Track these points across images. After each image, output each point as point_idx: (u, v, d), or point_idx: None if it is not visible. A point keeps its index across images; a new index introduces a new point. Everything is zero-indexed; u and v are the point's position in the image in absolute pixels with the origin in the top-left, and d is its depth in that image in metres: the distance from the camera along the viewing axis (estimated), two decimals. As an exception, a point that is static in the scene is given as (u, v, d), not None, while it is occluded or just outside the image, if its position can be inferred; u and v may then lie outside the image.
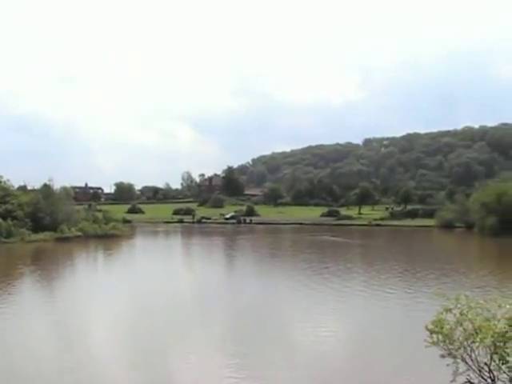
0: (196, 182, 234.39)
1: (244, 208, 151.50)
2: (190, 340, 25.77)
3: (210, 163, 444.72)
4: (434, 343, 13.42)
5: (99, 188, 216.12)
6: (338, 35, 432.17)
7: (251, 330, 27.58)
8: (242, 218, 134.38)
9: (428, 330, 13.56)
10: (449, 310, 13.54)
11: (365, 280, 44.52)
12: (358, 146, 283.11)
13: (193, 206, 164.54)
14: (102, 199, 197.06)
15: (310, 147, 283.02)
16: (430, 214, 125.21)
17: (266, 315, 31.31)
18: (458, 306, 13.51)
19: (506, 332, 12.64)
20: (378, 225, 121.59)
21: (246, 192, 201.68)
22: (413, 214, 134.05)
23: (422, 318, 14.17)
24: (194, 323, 29.08)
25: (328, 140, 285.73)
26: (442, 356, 13.45)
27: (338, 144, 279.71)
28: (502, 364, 12.82)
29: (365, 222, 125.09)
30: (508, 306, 13.03)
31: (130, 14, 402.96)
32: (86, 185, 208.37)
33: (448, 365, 13.32)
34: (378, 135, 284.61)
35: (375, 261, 59.38)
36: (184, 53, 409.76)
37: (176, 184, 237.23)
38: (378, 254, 69.46)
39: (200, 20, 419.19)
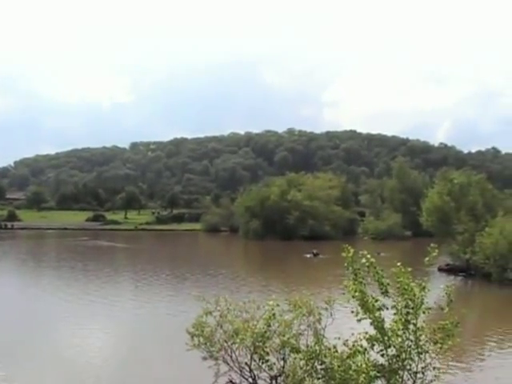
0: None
1: (5, 213, 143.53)
2: None
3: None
4: (195, 346, 13.50)
5: None
6: (110, 35, 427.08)
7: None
8: (2, 223, 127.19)
9: (189, 333, 13.60)
10: (209, 313, 13.70)
11: (131, 284, 44.19)
12: (124, 149, 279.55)
13: None
14: None
15: (75, 150, 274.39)
16: (196, 218, 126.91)
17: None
18: (218, 308, 13.72)
19: (265, 332, 13.02)
20: (144, 229, 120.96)
21: (8, 196, 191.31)
22: (179, 219, 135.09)
23: (187, 322, 14.14)
24: None
25: (95, 143, 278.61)
26: (204, 358, 13.55)
27: (104, 147, 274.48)
28: (262, 363, 13.18)
29: (131, 227, 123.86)
30: (266, 307, 13.43)
31: None
32: None
33: (210, 367, 13.43)
34: (146, 139, 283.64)
35: (141, 264, 59.03)
36: None
37: None
38: (144, 258, 69.15)
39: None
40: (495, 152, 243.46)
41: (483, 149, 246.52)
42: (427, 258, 12.20)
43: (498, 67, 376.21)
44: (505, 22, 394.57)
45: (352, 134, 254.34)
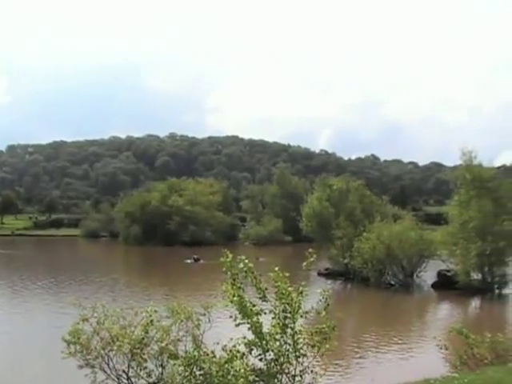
0: None
1: None
2: None
3: None
4: (71, 354, 13.14)
5: None
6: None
7: None
8: None
9: (65, 340, 13.23)
10: (86, 320, 13.40)
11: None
12: (1, 152, 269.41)
13: None
14: None
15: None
16: (75, 224, 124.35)
17: None
18: (95, 315, 13.45)
19: (143, 339, 12.87)
20: (21, 235, 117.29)
21: None
22: (58, 224, 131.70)
23: (64, 330, 13.73)
24: None
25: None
26: (80, 366, 13.22)
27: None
28: (140, 370, 13.01)
29: (8, 232, 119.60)
30: (144, 314, 13.28)
31: None
32: None
33: (86, 375, 13.12)
34: (24, 142, 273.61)
35: (18, 271, 57.02)
36: None
37: None
38: (20, 264, 66.89)
39: None
40: (374, 159, 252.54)
41: (363, 156, 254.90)
42: (305, 263, 12.41)
43: (379, 77, 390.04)
44: (388, 32, 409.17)
45: (234, 140, 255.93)
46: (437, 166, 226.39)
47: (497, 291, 42.72)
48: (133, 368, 13.09)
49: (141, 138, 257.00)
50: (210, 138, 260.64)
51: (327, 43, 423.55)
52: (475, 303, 41.83)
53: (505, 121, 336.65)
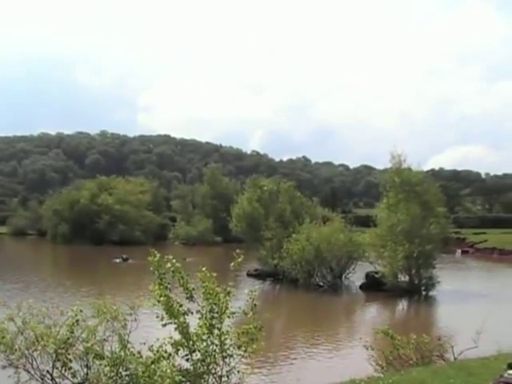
0: None
1: None
2: None
3: None
4: (-6, 354, 12.92)
5: None
6: None
7: None
8: None
9: (-13, 341, 12.98)
10: (11, 319, 13.15)
11: None
12: None
13: None
14: None
15: None
16: (2, 222, 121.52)
17: None
18: (20, 314, 13.22)
19: (68, 339, 12.71)
20: None
21: None
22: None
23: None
24: None
25: None
26: (4, 367, 13.00)
27: None
28: (65, 371, 12.86)
29: None
30: (70, 313, 13.11)
31: None
32: None
33: (10, 376, 12.89)
34: None
35: None
36: None
37: None
38: None
39: None
40: (306, 161, 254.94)
41: (295, 158, 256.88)
42: (233, 263, 12.47)
43: (313, 79, 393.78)
44: (322, 34, 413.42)
45: (166, 139, 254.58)
46: (367, 169, 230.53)
47: (424, 293, 43.62)
48: (57, 368, 12.93)
49: (71, 135, 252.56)
50: (141, 136, 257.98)
51: (261, 44, 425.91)
52: (402, 305, 42.67)
53: (434, 126, 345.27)
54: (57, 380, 13.05)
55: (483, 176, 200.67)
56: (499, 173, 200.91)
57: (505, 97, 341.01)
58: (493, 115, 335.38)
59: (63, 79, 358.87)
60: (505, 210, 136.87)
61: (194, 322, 11.94)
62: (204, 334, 11.78)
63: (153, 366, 11.58)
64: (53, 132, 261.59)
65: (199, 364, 11.80)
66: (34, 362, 13.04)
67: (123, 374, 12.12)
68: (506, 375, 11.34)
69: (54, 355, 12.77)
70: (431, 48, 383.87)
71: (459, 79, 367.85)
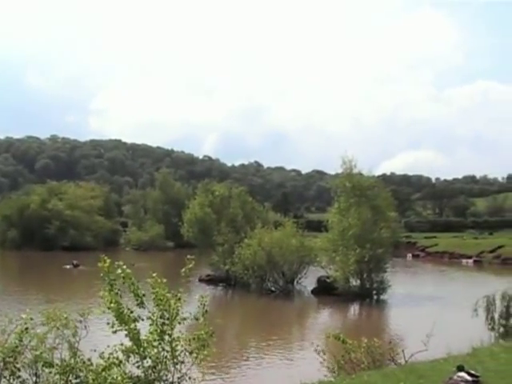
0: None
1: None
2: None
3: None
4: None
5: None
6: None
7: None
8: None
9: None
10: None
11: None
12: None
13: None
14: None
15: None
16: None
17: None
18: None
19: (16, 347, 12.50)
20: None
21: None
22: None
23: None
24: None
25: None
26: (-52, 378, 12.73)
27: None
28: (13, 380, 12.63)
29: None
30: (19, 321, 12.91)
31: None
32: None
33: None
34: None
35: None
36: None
37: None
38: None
39: None
40: (258, 166, 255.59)
41: (247, 163, 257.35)
42: (183, 269, 12.47)
43: (265, 84, 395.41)
44: (275, 39, 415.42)
45: (117, 144, 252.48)
46: (319, 174, 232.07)
47: (375, 297, 44.13)
48: (5, 377, 12.68)
49: (20, 140, 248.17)
50: (92, 141, 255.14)
51: (213, 48, 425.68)
52: (354, 309, 43.09)
53: (386, 131, 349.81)
54: (2, 389, 12.84)
55: (433, 181, 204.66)
56: (449, 177, 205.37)
57: (455, 102, 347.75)
58: (443, 121, 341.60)
59: (13, 81, 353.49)
60: (455, 214, 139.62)
61: (145, 329, 11.89)
62: (155, 340, 11.73)
63: (103, 374, 11.46)
64: (1, 136, 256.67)
65: (150, 371, 11.75)
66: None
67: (73, 381, 11.97)
68: (455, 377, 11.62)
69: (1, 364, 12.53)
70: (382, 53, 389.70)
71: (410, 85, 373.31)
